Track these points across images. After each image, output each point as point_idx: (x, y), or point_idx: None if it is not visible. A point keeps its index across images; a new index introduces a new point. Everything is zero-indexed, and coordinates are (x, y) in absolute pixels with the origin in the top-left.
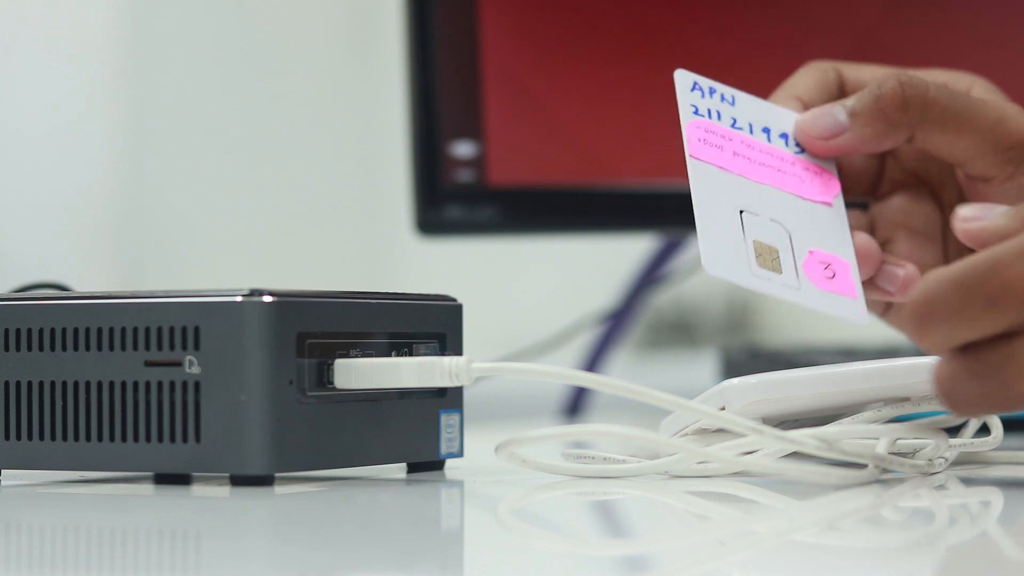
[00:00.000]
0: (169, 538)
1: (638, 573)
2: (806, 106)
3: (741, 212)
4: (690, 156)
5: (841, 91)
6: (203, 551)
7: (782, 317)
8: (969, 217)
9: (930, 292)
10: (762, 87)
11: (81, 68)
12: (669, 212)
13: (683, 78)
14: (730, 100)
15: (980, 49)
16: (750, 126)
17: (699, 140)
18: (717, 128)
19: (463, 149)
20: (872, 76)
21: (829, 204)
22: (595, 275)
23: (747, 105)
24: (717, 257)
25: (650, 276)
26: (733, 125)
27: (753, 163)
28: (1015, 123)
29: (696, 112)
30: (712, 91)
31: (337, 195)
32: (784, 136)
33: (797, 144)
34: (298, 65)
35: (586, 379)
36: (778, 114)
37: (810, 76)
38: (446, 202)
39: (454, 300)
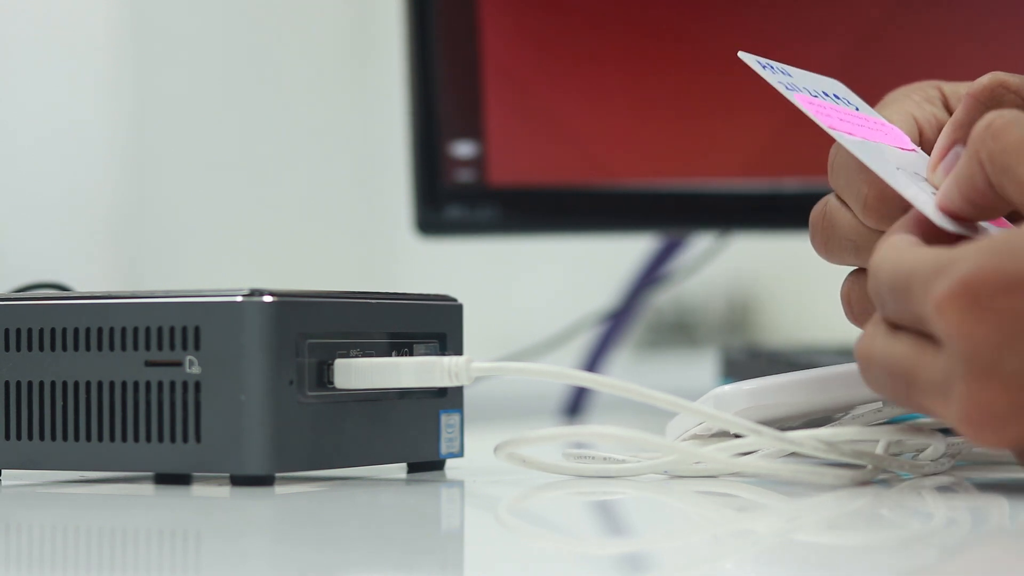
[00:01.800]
0: (169, 538)
1: (638, 573)
2: (919, 124)
3: (899, 169)
4: (831, 129)
5: (945, 105)
6: (203, 551)
7: (782, 317)
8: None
9: (876, 273)
10: (763, 87)
11: (81, 68)
12: (669, 212)
13: (750, 59)
14: (789, 73)
15: (980, 49)
16: (821, 93)
17: (816, 113)
18: (813, 100)
19: (463, 149)
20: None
21: (916, 151)
22: (595, 275)
23: (799, 75)
24: (939, 213)
25: (650, 276)
26: (811, 95)
27: (854, 125)
28: None
29: (788, 88)
30: (773, 67)
31: (337, 195)
32: (836, 96)
33: (849, 102)
34: (298, 65)
35: (586, 379)
36: (821, 78)
37: (914, 94)
38: (446, 202)
39: (454, 300)
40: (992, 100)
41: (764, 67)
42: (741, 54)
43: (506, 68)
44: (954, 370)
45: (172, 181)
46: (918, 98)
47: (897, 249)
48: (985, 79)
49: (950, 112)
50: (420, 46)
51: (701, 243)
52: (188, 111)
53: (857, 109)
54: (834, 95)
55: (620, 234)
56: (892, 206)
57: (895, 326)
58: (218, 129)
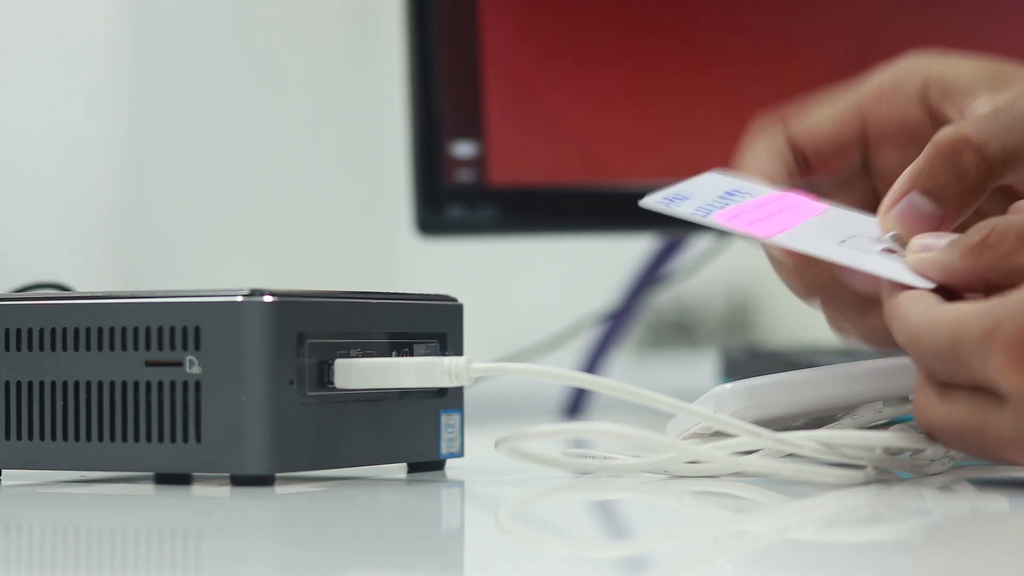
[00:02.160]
0: (169, 538)
1: (638, 573)
2: (771, 180)
3: (843, 242)
4: (764, 239)
5: (794, 150)
6: (203, 551)
7: (782, 317)
8: (920, 247)
9: (914, 342)
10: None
11: (81, 68)
12: None
13: (652, 203)
14: (689, 194)
15: (980, 49)
16: (725, 194)
17: (742, 226)
18: (730, 213)
19: (463, 149)
20: (823, 121)
21: (826, 208)
22: (595, 275)
23: (698, 187)
24: (915, 276)
25: (650, 276)
26: (723, 205)
27: (768, 214)
28: None
29: (703, 212)
30: (676, 197)
31: (337, 195)
32: (732, 192)
33: (744, 192)
34: (298, 65)
35: (585, 380)
36: (710, 179)
37: (762, 150)
38: (446, 202)
39: (454, 300)
40: (954, 154)
41: (670, 202)
42: (644, 201)
43: (506, 68)
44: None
45: (172, 181)
46: (887, 89)
47: (926, 315)
48: (950, 131)
49: (926, 93)
50: (420, 46)
51: (701, 243)
52: (188, 111)
53: (752, 195)
54: (728, 192)
55: (620, 234)
56: (819, 283)
57: (947, 386)
58: (218, 129)
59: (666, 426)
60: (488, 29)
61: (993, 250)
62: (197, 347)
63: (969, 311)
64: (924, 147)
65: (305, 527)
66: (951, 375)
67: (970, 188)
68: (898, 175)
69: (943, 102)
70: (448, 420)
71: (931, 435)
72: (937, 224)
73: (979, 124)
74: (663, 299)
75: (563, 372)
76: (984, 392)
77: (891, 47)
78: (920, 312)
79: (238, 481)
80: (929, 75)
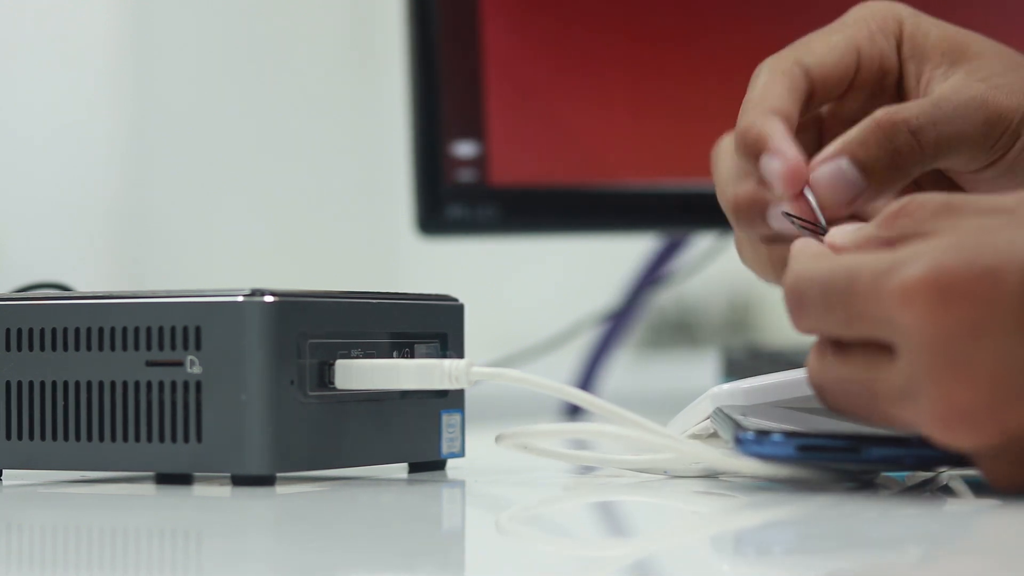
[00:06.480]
0: (170, 538)
1: (638, 573)
2: (786, 120)
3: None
4: None
5: (809, 84)
6: (204, 551)
7: (783, 317)
8: (838, 246)
9: (800, 285)
10: None
11: (83, 69)
12: (669, 212)
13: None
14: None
15: None
16: None
17: None
18: None
19: (464, 149)
20: (832, 53)
21: None
22: (596, 275)
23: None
24: None
25: (651, 276)
26: None
27: None
28: (996, 110)
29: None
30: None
31: (338, 195)
32: None
33: None
34: (300, 66)
35: (580, 398)
36: None
37: (778, 83)
38: (447, 202)
39: (455, 300)
40: (891, 132)
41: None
42: None
43: (507, 68)
44: (917, 370)
45: (173, 181)
46: (875, 28)
47: (822, 256)
48: (892, 111)
49: (900, 44)
50: (422, 46)
51: (702, 243)
52: (189, 111)
53: None
54: None
55: (620, 234)
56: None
57: (839, 345)
58: (219, 129)
59: (666, 425)
60: (489, 29)
61: (910, 218)
62: (198, 347)
63: (867, 255)
64: (891, 97)
65: (305, 527)
66: (840, 322)
67: (898, 167)
68: (856, 122)
69: (909, 60)
70: (449, 420)
71: (821, 397)
72: (855, 195)
73: (920, 108)
74: (664, 299)
75: (560, 387)
76: (875, 346)
77: None
78: (814, 255)
79: (239, 481)
80: (905, 27)
